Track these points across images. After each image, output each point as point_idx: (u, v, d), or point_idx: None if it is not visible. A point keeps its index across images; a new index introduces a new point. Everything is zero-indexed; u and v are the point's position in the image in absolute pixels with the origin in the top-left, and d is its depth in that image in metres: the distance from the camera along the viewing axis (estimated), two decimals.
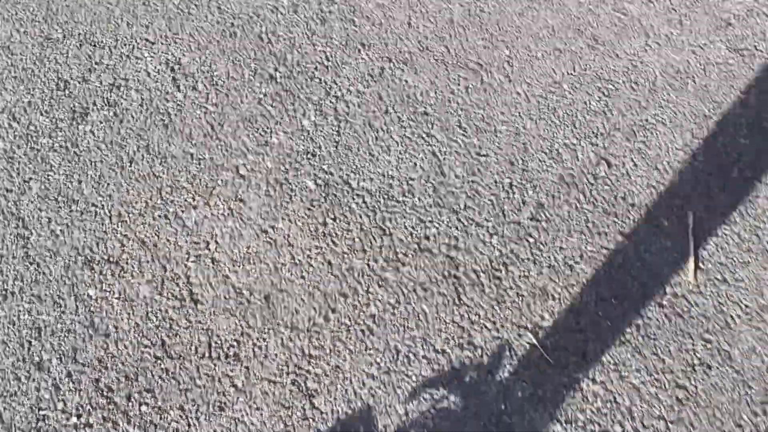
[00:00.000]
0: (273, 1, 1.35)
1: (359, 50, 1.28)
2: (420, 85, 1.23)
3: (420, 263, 1.08)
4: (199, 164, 1.19)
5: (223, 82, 1.27)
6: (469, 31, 1.28)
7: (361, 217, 1.13)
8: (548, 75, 1.22)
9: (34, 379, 1.01)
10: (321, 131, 1.20)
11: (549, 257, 1.06)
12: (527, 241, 1.08)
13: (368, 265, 1.08)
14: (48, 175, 1.19)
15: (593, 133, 1.15)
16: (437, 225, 1.11)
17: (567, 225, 1.08)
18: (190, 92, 1.26)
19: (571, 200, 1.10)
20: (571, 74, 1.22)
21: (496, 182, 1.13)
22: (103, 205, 1.16)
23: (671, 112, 1.16)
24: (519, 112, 1.19)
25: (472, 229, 1.10)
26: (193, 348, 1.03)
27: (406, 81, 1.24)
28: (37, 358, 1.03)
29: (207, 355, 1.02)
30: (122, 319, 1.06)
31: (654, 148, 1.13)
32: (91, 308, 1.08)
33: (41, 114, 1.25)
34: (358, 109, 1.22)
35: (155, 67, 1.29)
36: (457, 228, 1.10)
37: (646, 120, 1.16)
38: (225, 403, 0.98)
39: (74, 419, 0.98)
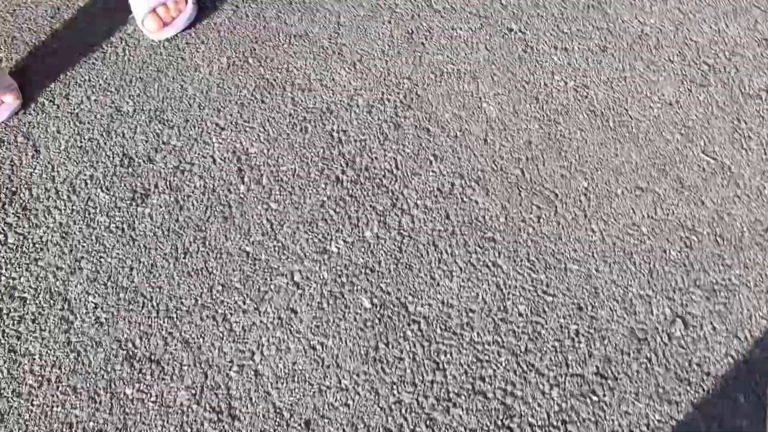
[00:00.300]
0: (348, 99, 1.32)
1: (431, 162, 1.24)
2: (490, 208, 1.18)
3: (473, 406, 1.01)
4: (254, 265, 1.15)
5: (288, 178, 1.23)
6: (547, 156, 1.23)
7: (415, 345, 1.07)
8: (627, 215, 1.16)
9: None
10: (382, 245, 1.16)
11: (612, 421, 0.99)
12: (590, 398, 1.01)
13: (417, 401, 1.02)
14: (101, 257, 1.16)
15: (671, 286, 1.09)
16: (495, 366, 1.04)
17: (635, 387, 1.01)
18: (253, 185, 1.23)
19: (642, 359, 1.03)
20: (652, 217, 1.15)
21: (561, 327, 1.07)
22: (151, 297, 1.12)
23: (757, 274, 1.09)
24: (592, 252, 1.13)
25: (531, 376, 1.03)
26: None
27: (476, 201, 1.19)
28: None
29: None
30: (156, 426, 1.01)
31: (736, 312, 1.06)
32: (126, 409, 1.03)
33: (102, 190, 1.23)
34: (424, 226, 1.17)
35: (222, 155, 1.27)
36: (515, 372, 1.04)
37: (730, 280, 1.09)
38: None
39: None
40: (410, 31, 1.41)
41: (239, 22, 1.45)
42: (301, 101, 1.33)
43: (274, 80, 1.36)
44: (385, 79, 1.35)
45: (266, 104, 1.33)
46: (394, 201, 1.20)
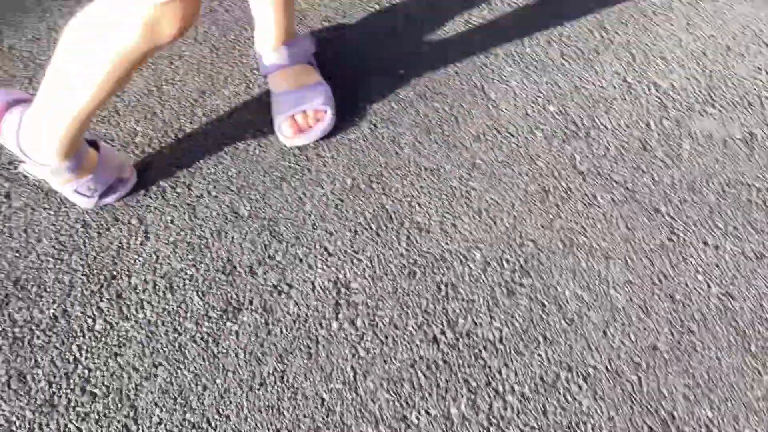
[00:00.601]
0: (465, 251, 1.24)
1: (539, 343, 1.13)
2: (595, 415, 1.06)
3: None
4: (326, 417, 1.07)
5: (384, 326, 1.16)
6: (672, 369, 1.09)
7: None
8: None
9: None
10: (466, 428, 1.05)
11: None
12: None
13: None
14: (178, 368, 1.12)
15: None
16: None
17: None
18: (347, 325, 1.16)
19: None
20: None
21: None
22: (216, 426, 1.07)
23: None
24: None
25: None
26: None
27: (581, 403, 1.07)
28: None
29: None
30: None
31: None
32: None
33: (197, 295, 1.20)
34: (516, 418, 1.06)
35: (322, 283, 1.21)
36: None
37: None
38: None
39: None
40: (546, 189, 1.32)
41: (374, 142, 1.41)
42: (416, 242, 1.26)
43: (394, 212, 1.30)
44: (508, 237, 1.26)
45: (380, 237, 1.27)
46: (490, 379, 1.10)
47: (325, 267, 1.23)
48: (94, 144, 1.30)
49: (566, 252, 1.23)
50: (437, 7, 1.69)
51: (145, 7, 0.94)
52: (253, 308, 1.19)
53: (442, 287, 1.20)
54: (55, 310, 1.18)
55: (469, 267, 1.22)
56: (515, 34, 1.61)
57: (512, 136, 1.41)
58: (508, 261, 1.23)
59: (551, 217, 1.28)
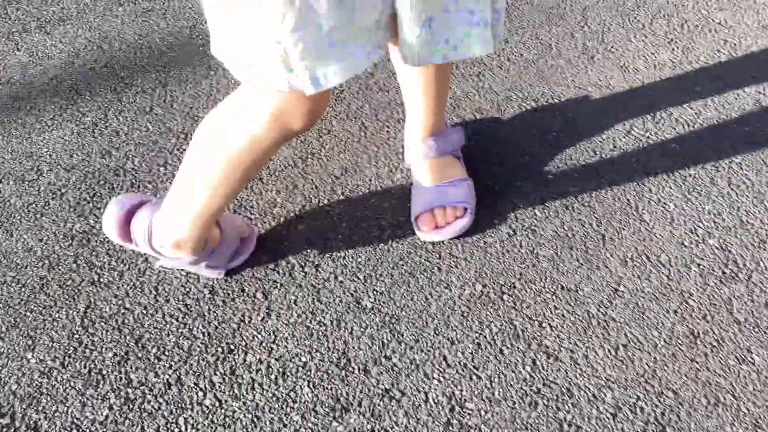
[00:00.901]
0: (596, 389, 1.14)
1: None
2: None
3: None
4: None
5: None
6: None
7: None
8: None
9: None
10: None
11: None
12: None
13: None
14: None
15: None
16: None
17: None
18: None
19: None
20: None
21: None
22: None
23: None
24: None
25: None
26: None
27: None
28: None
29: None
30: None
31: None
32: None
33: (308, 385, 1.17)
34: None
35: (436, 397, 1.15)
36: None
37: None
38: None
39: None
40: (695, 333, 1.20)
41: (510, 250, 1.34)
42: (542, 369, 1.17)
43: (522, 331, 1.22)
44: (646, 381, 1.14)
45: (504, 356, 1.19)
46: None
47: (441, 379, 1.17)
48: None
49: (710, 411, 1.11)
50: (598, 113, 1.61)
51: (276, 99, 0.97)
52: (361, 410, 1.14)
53: (565, 426, 1.10)
54: (170, 376, 1.18)
55: (598, 408, 1.12)
56: (680, 153, 1.51)
57: (663, 266, 1.30)
58: (642, 409, 1.11)
59: (697, 366, 1.16)
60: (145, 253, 1.32)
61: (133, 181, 1.51)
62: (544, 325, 1.23)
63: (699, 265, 1.30)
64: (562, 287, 1.28)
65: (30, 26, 1.94)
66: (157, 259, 1.29)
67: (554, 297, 1.27)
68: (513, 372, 1.17)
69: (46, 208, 1.46)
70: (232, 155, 1.07)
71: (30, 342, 1.24)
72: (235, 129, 1.04)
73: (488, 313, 1.25)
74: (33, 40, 1.89)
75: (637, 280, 1.28)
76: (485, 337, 1.22)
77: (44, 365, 1.20)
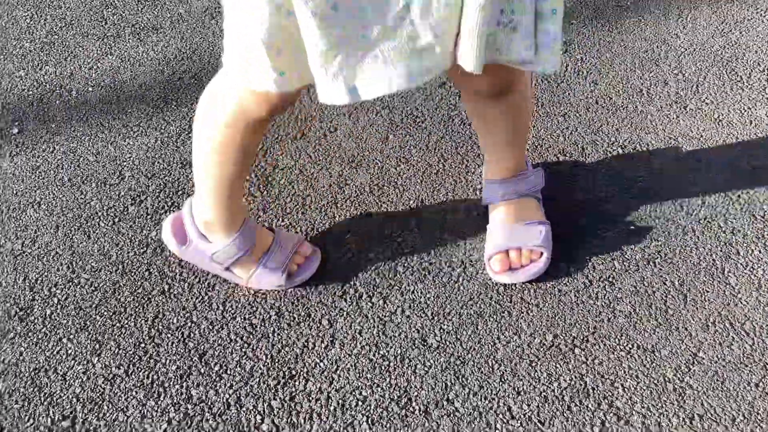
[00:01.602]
0: None
1: None
2: None
3: None
4: None
5: None
6: None
7: None
8: None
9: None
10: None
11: None
12: None
13: None
14: None
15: None
16: None
17: None
18: None
19: None
20: None
21: None
22: None
23: None
24: None
25: None
26: None
27: None
28: None
29: None
30: None
31: None
32: None
33: (367, 421, 1.14)
34: None
35: None
36: None
37: None
38: None
39: None
40: None
41: (586, 301, 1.30)
42: (612, 431, 1.12)
43: (593, 388, 1.17)
44: None
45: (572, 413, 1.14)
46: None
47: (504, 430, 1.13)
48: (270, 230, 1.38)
49: None
50: (687, 166, 1.55)
51: (241, 90, 1.06)
52: None
53: None
54: (230, 396, 1.18)
55: None
56: None
57: (747, 335, 1.23)
58: None
59: None
60: (196, 245, 1.30)
61: None
62: (616, 384, 1.18)
63: None
64: (638, 347, 1.23)
65: (124, 32, 1.99)
66: (209, 247, 1.30)
67: (629, 356, 1.21)
68: (580, 431, 1.12)
69: (125, 213, 1.48)
70: (215, 141, 1.16)
71: (97, 346, 1.25)
72: (215, 110, 1.14)
73: (558, 365, 1.21)
74: (126, 46, 1.94)
75: (719, 347, 1.22)
76: (553, 390, 1.17)
77: (109, 371, 1.21)
